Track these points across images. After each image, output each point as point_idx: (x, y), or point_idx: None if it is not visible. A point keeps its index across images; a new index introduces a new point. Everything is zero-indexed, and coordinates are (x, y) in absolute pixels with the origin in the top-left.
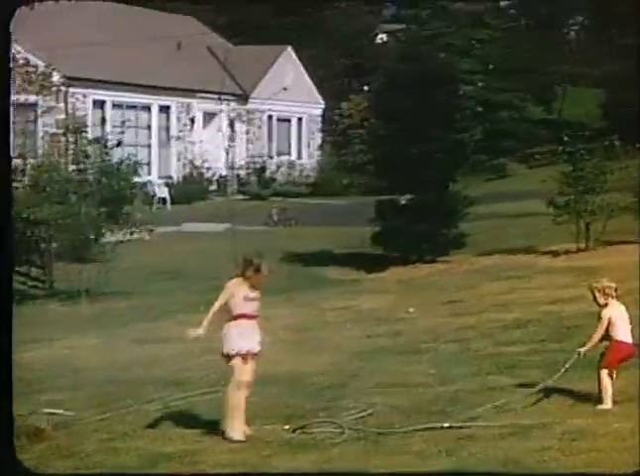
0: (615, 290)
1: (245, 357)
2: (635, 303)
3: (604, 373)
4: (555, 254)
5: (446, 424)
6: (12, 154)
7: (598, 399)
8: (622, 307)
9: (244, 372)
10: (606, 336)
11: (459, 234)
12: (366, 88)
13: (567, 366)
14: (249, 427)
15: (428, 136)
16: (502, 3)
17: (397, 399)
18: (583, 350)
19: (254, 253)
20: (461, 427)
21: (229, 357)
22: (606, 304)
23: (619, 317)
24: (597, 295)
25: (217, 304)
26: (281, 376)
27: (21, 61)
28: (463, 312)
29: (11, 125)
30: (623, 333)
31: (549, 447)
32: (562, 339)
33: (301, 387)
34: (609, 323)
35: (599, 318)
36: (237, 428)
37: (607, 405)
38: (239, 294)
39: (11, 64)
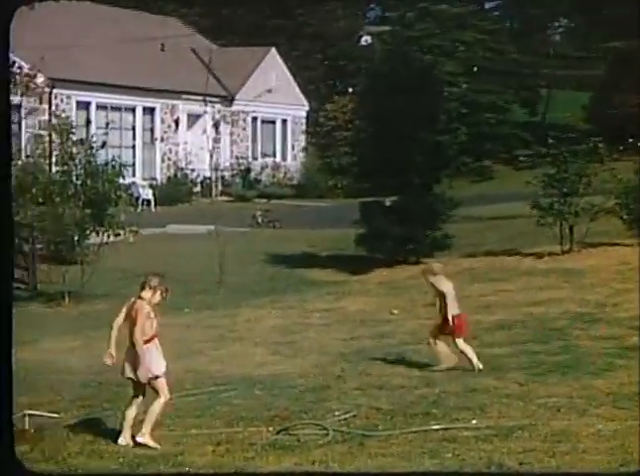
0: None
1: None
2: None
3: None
4: (538, 256)
5: (435, 426)
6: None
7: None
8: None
9: (166, 386)
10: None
11: (443, 236)
12: (350, 90)
13: None
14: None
15: (412, 138)
16: (487, 5)
17: (381, 400)
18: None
19: (155, 274)
20: (446, 429)
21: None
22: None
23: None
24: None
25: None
26: (265, 378)
27: None
28: None
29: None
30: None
31: (532, 449)
32: (545, 341)
33: (285, 389)
34: (445, 297)
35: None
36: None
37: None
38: (150, 314)
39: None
